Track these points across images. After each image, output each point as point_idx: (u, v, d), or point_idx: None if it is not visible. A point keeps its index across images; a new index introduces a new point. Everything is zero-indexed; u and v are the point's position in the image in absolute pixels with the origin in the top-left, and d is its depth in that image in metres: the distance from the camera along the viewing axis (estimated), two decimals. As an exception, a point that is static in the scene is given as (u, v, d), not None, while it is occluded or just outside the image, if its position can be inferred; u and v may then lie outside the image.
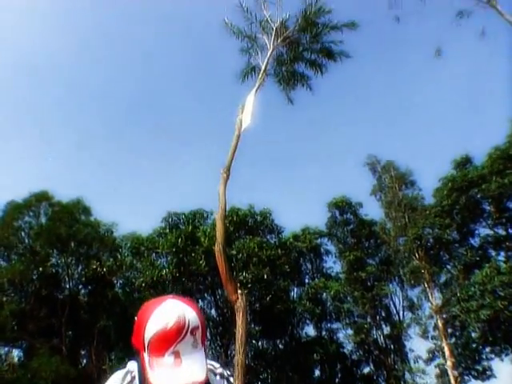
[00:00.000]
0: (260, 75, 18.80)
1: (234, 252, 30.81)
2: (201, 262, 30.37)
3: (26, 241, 34.01)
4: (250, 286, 29.89)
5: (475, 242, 34.15)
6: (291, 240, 35.89)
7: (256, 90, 17.74)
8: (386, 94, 77.08)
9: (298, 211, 68.65)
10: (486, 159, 32.90)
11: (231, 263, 26.48)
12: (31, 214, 34.33)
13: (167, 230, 33.50)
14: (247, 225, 34.23)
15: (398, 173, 37.22)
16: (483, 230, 34.15)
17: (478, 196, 33.17)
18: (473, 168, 33.78)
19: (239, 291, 12.89)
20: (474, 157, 34.84)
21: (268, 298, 31.93)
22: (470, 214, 33.49)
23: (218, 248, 13.66)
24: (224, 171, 15.74)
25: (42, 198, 34.07)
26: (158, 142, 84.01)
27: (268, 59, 19.48)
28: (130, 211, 65.13)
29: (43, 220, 34.10)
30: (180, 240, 31.07)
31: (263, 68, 19.09)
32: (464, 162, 34.70)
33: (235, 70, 21.48)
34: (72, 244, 32.96)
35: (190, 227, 32.38)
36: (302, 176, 73.16)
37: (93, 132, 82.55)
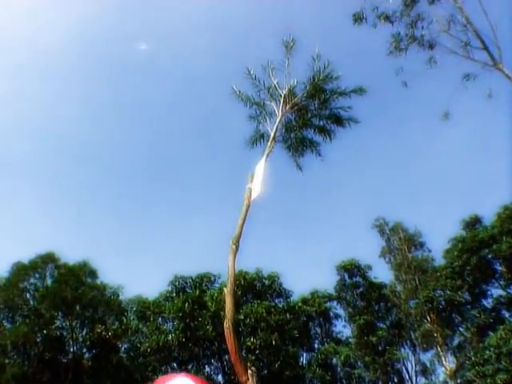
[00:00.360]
0: (269, 143, 18.70)
1: (242, 317, 30.28)
2: (208, 327, 29.88)
3: (31, 302, 33.68)
4: (258, 351, 29.29)
5: (488, 303, 33.79)
6: (300, 304, 35.31)
7: (265, 159, 17.63)
8: (393, 154, 77.63)
9: (306, 274, 68.10)
10: (496, 219, 32.88)
11: (239, 328, 25.93)
12: (37, 275, 34.15)
13: (174, 294, 33.16)
14: (255, 289, 33.82)
15: (406, 234, 37.14)
16: (496, 291, 33.84)
17: (489, 256, 32.98)
18: (482, 228, 33.74)
19: (249, 371, 12.40)
20: (483, 216, 34.94)
21: (277, 365, 31.15)
22: (482, 275, 33.13)
23: (227, 325, 13.20)
24: (233, 242, 15.27)
25: (48, 259, 33.95)
26: (167, 205, 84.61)
27: (277, 126, 19.44)
28: (137, 273, 64.77)
29: (49, 282, 33.90)
30: (187, 304, 30.64)
31: (272, 135, 19.01)
32: (473, 222, 34.72)
33: (244, 135, 21.50)
34: (77, 307, 32.56)
35: (198, 291, 32.01)
36: (309, 238, 72.90)
37: (101, 193, 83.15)
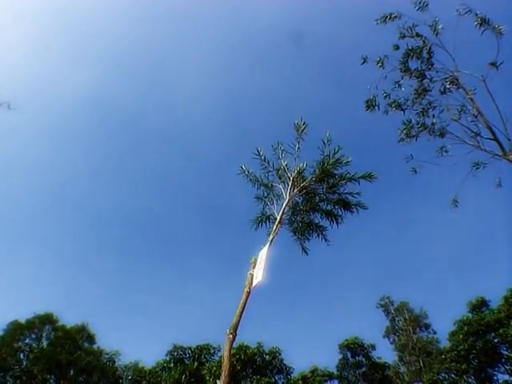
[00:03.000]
0: (274, 227, 18.41)
1: (241, 394, 29.42)
2: (204, 402, 28.90)
3: (24, 363, 32.90)
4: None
5: (494, 388, 32.88)
6: (300, 382, 34.10)
7: (269, 244, 17.30)
8: (401, 236, 78.45)
9: (308, 350, 67.04)
10: (503, 303, 32.47)
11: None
12: (33, 336, 33.53)
13: (171, 364, 32.18)
14: (255, 363, 32.75)
15: (412, 315, 36.59)
16: (502, 376, 33.05)
17: (496, 340, 32.34)
18: (489, 311, 33.31)
19: None
20: (489, 299, 34.60)
21: None
22: (488, 359, 32.45)
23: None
24: (230, 332, 14.52)
25: (45, 320, 33.43)
26: (170, 273, 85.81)
27: (283, 209, 19.24)
28: (136, 339, 64.38)
29: (45, 343, 33.24)
30: (184, 377, 29.69)
31: (278, 219, 18.75)
32: (479, 305, 34.36)
33: (250, 213, 21.33)
34: (71, 371, 31.78)
35: (196, 364, 31.08)
36: (313, 314, 72.86)
37: (106, 260, 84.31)
